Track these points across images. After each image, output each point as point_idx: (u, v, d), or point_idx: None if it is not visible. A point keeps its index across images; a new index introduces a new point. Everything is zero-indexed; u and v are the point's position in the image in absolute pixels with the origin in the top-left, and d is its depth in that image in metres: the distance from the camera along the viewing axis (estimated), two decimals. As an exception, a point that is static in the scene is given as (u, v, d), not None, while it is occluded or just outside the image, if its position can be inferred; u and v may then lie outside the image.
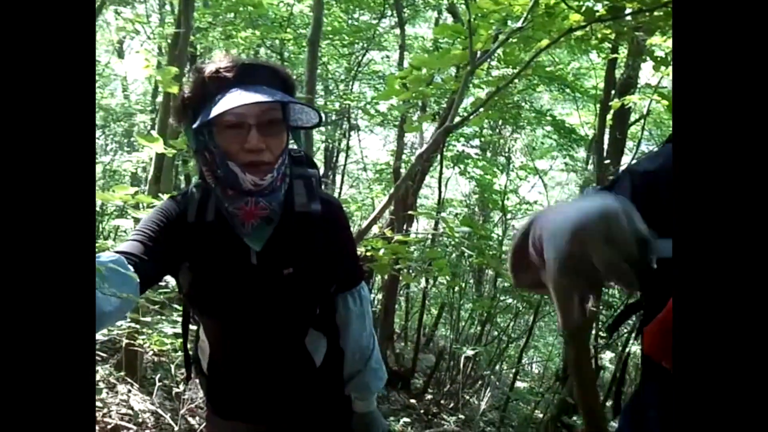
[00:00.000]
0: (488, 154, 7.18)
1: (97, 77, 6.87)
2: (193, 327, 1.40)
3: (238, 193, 1.14)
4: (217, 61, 1.15)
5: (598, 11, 2.67)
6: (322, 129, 6.71)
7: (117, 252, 1.06)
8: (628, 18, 2.82)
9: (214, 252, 1.18)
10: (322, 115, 1.21)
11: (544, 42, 2.78)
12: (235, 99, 1.07)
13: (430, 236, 5.11)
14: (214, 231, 1.18)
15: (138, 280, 0.99)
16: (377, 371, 1.35)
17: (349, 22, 6.43)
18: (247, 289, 1.19)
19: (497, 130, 7.07)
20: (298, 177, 1.23)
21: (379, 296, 5.55)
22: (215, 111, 1.07)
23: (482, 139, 6.82)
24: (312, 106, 1.20)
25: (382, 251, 2.42)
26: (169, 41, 3.62)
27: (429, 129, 5.15)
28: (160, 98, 6.94)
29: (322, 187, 1.37)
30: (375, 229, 2.93)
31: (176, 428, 2.74)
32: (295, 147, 1.30)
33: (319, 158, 7.60)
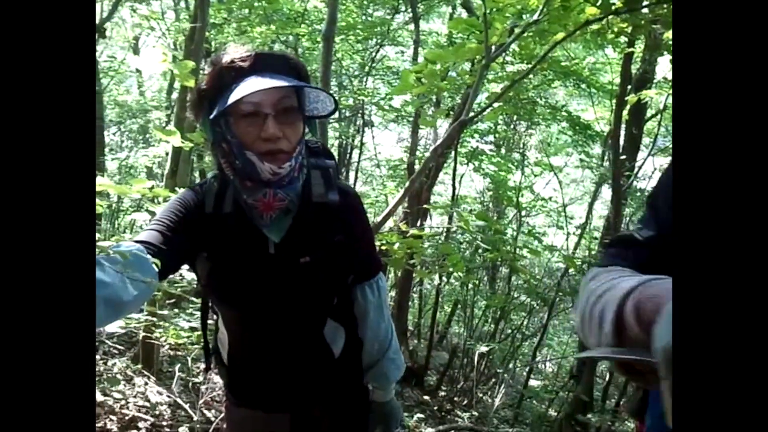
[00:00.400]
0: (502, 150, 7.14)
1: (113, 74, 6.93)
2: (211, 320, 1.41)
3: (256, 184, 1.15)
4: (232, 51, 1.15)
5: (614, 4, 2.65)
6: (336, 125, 6.71)
7: (136, 241, 1.07)
8: (645, 11, 2.80)
9: (232, 242, 1.19)
10: (338, 101, 1.21)
11: (560, 35, 2.76)
12: (251, 85, 1.07)
13: (444, 231, 5.10)
14: (232, 222, 1.18)
15: (157, 269, 1.01)
16: (395, 361, 1.35)
17: (363, 17, 6.42)
18: (264, 279, 1.20)
19: (512, 126, 7.04)
20: (315, 167, 1.24)
21: (392, 293, 5.55)
22: (232, 98, 1.07)
23: (497, 135, 6.79)
24: (327, 92, 1.20)
25: (396, 245, 2.42)
26: (185, 36, 3.64)
27: (443, 125, 5.14)
28: (175, 95, 6.99)
29: (340, 177, 1.37)
30: (389, 225, 2.93)
31: (195, 418, 2.77)
32: (312, 138, 1.30)
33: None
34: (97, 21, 5.60)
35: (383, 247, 2.44)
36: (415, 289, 6.21)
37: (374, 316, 1.31)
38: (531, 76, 4.70)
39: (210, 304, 1.35)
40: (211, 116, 1.13)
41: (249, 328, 1.27)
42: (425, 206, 3.63)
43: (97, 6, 6.37)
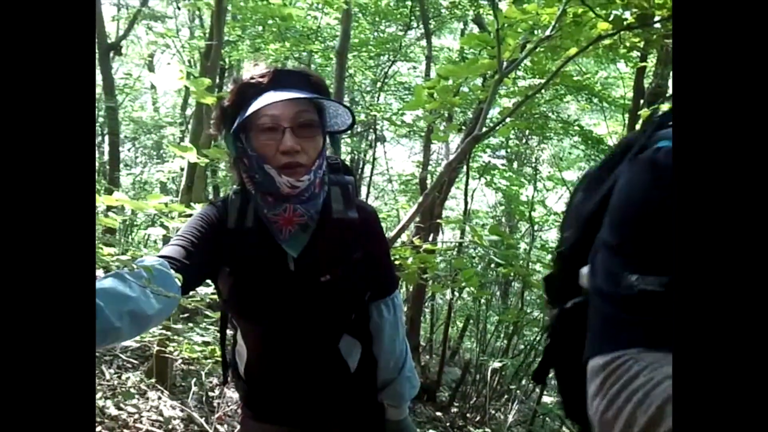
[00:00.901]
0: (515, 165, 7.14)
1: (128, 90, 7.03)
2: (230, 332, 1.42)
3: (276, 199, 1.16)
4: (252, 69, 1.19)
5: (626, 19, 2.65)
6: (348, 140, 6.75)
7: (159, 256, 1.08)
8: (657, 26, 2.80)
9: (254, 258, 1.20)
10: (354, 114, 1.22)
11: (572, 51, 2.77)
12: (268, 99, 1.10)
13: (456, 246, 5.09)
14: (253, 237, 1.20)
15: (180, 283, 1.02)
16: (410, 379, 1.35)
17: (376, 34, 6.48)
18: (284, 295, 1.20)
19: (524, 141, 7.03)
20: (335, 183, 1.25)
21: (405, 308, 5.53)
22: (250, 110, 1.10)
23: (509, 150, 6.79)
24: (343, 104, 1.21)
25: (410, 260, 2.42)
26: (200, 53, 3.69)
27: (455, 140, 5.15)
28: (189, 111, 7.07)
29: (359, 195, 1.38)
30: (403, 239, 2.93)
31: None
32: (331, 154, 1.32)
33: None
34: (113, 39, 5.70)
35: (396, 262, 2.44)
36: (427, 304, 6.18)
37: (390, 334, 1.31)
38: (543, 90, 4.71)
39: (229, 318, 1.36)
40: (232, 130, 1.16)
41: (267, 342, 1.27)
42: (438, 221, 3.63)
43: (113, 24, 6.48)
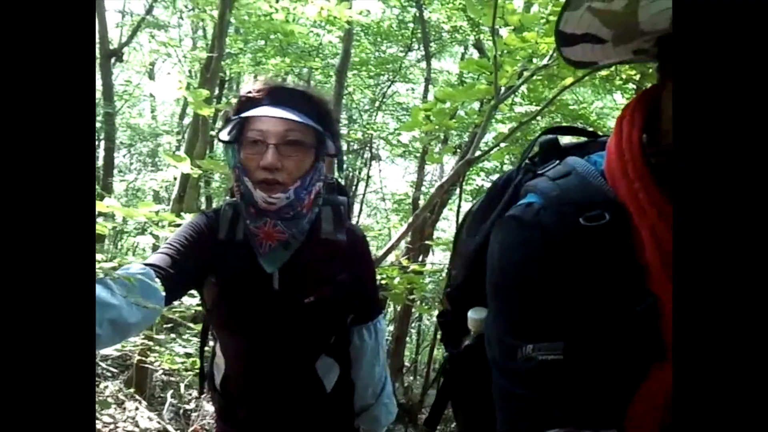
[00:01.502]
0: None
1: (127, 97, 7.04)
2: (211, 343, 1.41)
3: (257, 212, 1.16)
4: (253, 83, 1.21)
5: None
6: (344, 158, 6.78)
7: (146, 264, 1.08)
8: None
9: (240, 271, 1.20)
10: (338, 146, 1.22)
11: (568, 80, 2.80)
12: (255, 112, 1.12)
13: (444, 268, 5.09)
14: (242, 250, 1.19)
15: (164, 293, 1.02)
16: (388, 405, 1.34)
17: (376, 54, 6.53)
18: (266, 312, 1.20)
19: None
20: (327, 203, 1.24)
21: (391, 327, 5.51)
22: (234, 121, 1.14)
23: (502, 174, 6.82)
24: (327, 136, 1.19)
25: (397, 280, 2.42)
26: (201, 64, 3.71)
27: (450, 162, 5.18)
28: (186, 120, 7.09)
29: (351, 216, 1.38)
30: (392, 259, 2.93)
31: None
32: (331, 175, 1.31)
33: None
34: (115, 45, 5.72)
35: (384, 282, 2.43)
36: (413, 324, 6.16)
37: (369, 359, 1.31)
38: (539, 118, 4.75)
39: (210, 329, 1.35)
40: (225, 140, 1.18)
41: (245, 356, 1.27)
42: (426, 242, 3.63)
43: (117, 31, 6.52)
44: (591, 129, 0.88)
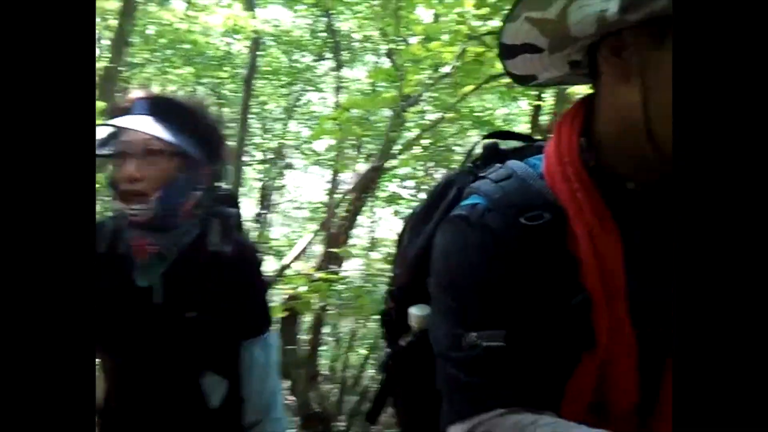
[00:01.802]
0: (422, 195, 7.31)
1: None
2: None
3: (130, 224, 1.15)
4: (132, 93, 1.20)
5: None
6: (258, 167, 6.70)
7: None
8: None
9: (116, 285, 1.16)
10: (220, 155, 1.22)
11: (469, 88, 2.93)
12: (115, 122, 1.14)
13: (360, 275, 5.13)
14: (122, 264, 1.17)
15: None
16: (280, 421, 1.30)
17: (289, 63, 6.51)
18: (146, 329, 1.16)
19: (428, 172, 7.24)
20: (216, 215, 1.22)
21: (306, 336, 5.48)
22: (99, 132, 1.15)
23: (416, 180, 6.96)
24: (191, 145, 1.16)
25: (304, 288, 2.42)
26: (100, 76, 3.58)
27: (365, 170, 5.25)
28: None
29: (245, 227, 1.37)
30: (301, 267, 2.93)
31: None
32: (221, 184, 1.30)
33: (254, 196, 7.54)
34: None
35: (291, 291, 2.43)
36: (331, 332, 6.16)
37: (259, 374, 1.25)
38: (449, 124, 4.89)
39: None
40: (99, 155, 1.18)
41: (124, 374, 1.23)
42: (334, 250, 3.65)
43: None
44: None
